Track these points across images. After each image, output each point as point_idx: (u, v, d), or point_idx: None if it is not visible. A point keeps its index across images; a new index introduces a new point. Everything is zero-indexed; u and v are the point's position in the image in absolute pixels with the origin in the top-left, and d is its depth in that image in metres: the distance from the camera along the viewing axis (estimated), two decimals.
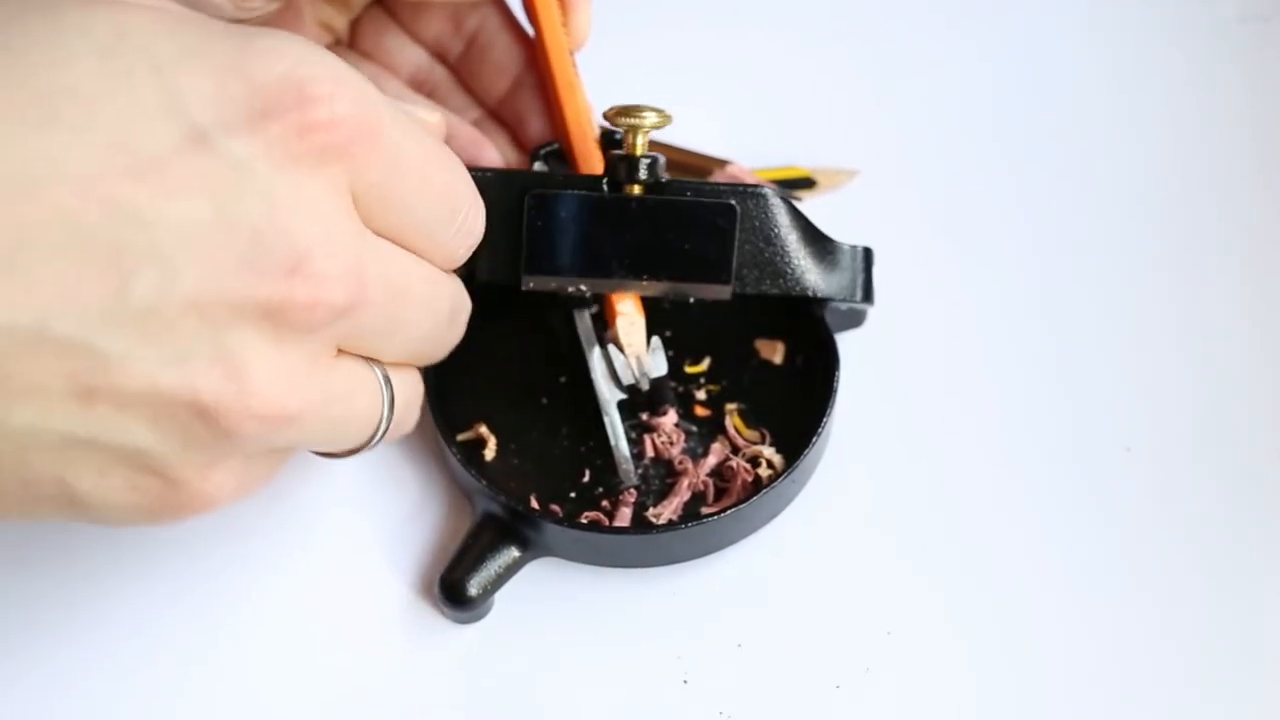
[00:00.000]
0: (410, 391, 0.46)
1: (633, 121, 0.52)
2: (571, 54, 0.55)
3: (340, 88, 0.39)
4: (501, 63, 0.56)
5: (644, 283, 0.52)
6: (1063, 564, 0.53)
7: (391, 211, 0.40)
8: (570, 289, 0.53)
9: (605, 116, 0.52)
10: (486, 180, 0.49)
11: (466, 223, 0.44)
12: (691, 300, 0.54)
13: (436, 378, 0.54)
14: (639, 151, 0.52)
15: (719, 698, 0.50)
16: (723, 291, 0.53)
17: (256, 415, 0.38)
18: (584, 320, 0.55)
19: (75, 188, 0.36)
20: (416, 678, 0.51)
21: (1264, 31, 0.65)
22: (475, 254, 0.47)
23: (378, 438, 0.43)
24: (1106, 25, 0.66)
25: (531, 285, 0.52)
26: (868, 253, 0.55)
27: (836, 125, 0.63)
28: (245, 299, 0.38)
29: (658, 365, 0.54)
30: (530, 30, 0.56)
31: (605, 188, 0.52)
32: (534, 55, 0.56)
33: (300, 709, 0.51)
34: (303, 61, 0.39)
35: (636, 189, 0.52)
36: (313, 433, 0.41)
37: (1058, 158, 0.62)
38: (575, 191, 0.52)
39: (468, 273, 0.49)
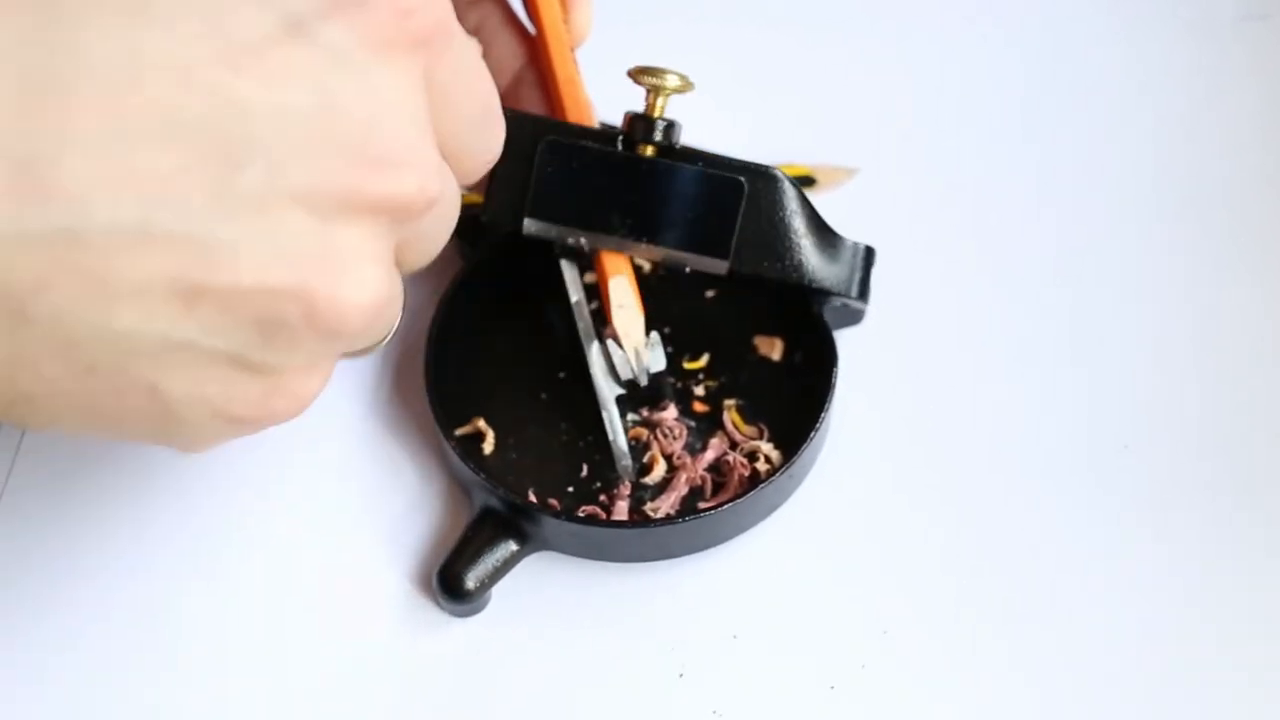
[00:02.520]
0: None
1: (654, 82, 0.52)
2: (572, 50, 0.56)
3: None
4: (502, 59, 0.56)
5: (643, 245, 0.53)
6: (1061, 562, 0.53)
7: (445, 110, 0.40)
8: (569, 240, 0.53)
9: (629, 74, 0.53)
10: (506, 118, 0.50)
11: (494, 140, 0.43)
12: (687, 270, 0.54)
13: (435, 372, 0.55)
14: (657, 113, 0.53)
15: (714, 693, 0.51)
16: (719, 266, 0.53)
17: (361, 311, 0.37)
18: (583, 315, 0.55)
19: (173, 77, 0.35)
20: (414, 670, 0.52)
21: (1263, 30, 0.65)
22: (483, 194, 0.47)
23: (391, 333, 0.42)
24: (1105, 23, 0.66)
25: (533, 230, 0.53)
26: (869, 251, 0.55)
27: (836, 122, 0.63)
28: (351, 191, 0.37)
29: (656, 360, 0.54)
30: (531, 27, 0.56)
31: (620, 145, 0.53)
32: (535, 52, 0.56)
33: (297, 700, 0.51)
34: None
35: (650, 150, 0.53)
36: (384, 330, 0.40)
37: (1055, 156, 0.62)
38: (589, 144, 0.52)
39: (472, 214, 0.49)
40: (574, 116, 0.55)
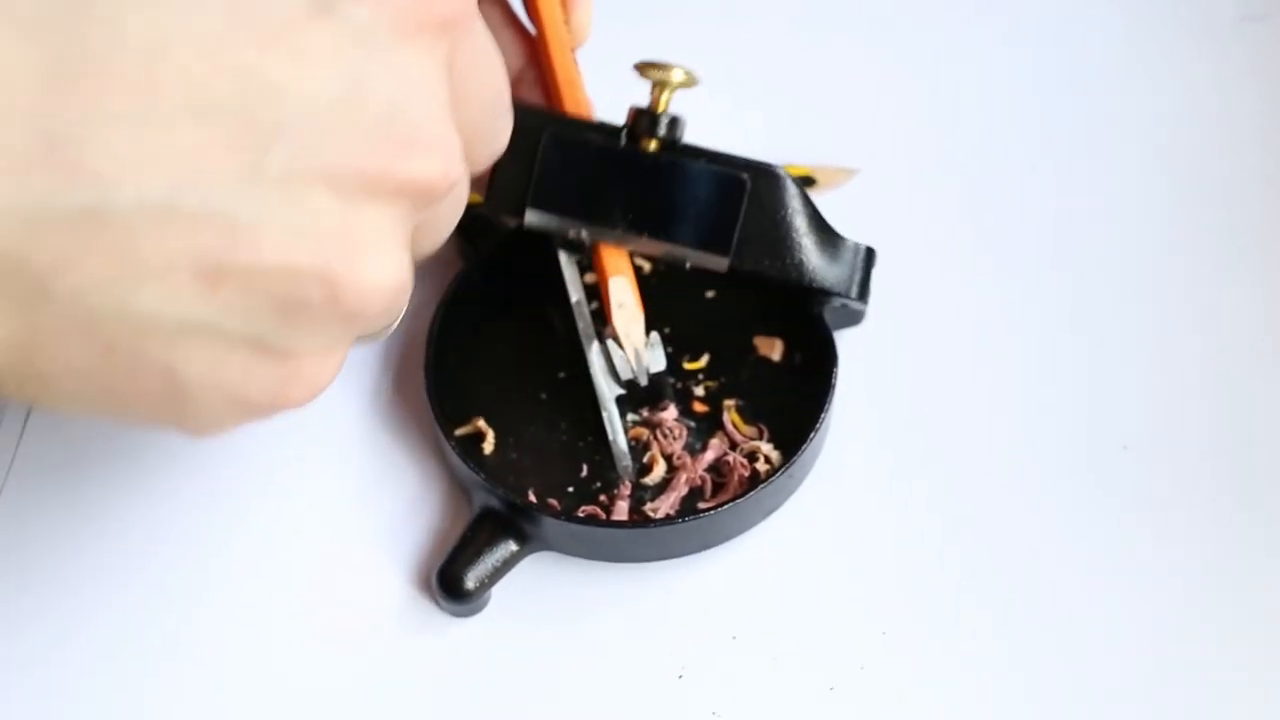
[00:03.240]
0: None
1: (659, 76, 0.52)
2: (572, 51, 0.56)
3: None
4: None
5: (644, 240, 0.53)
6: (1060, 563, 0.53)
7: (462, 96, 0.40)
8: (570, 233, 0.53)
9: (635, 67, 0.53)
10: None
11: (504, 129, 0.44)
12: (687, 266, 0.54)
13: (435, 372, 0.55)
14: (661, 108, 0.53)
15: (713, 694, 0.51)
16: (720, 262, 0.53)
17: (382, 293, 0.38)
18: (583, 315, 0.55)
19: (203, 57, 0.35)
20: (413, 670, 0.52)
21: (1262, 30, 0.65)
22: (484, 188, 0.47)
23: (400, 319, 0.42)
24: (1104, 23, 0.66)
25: (534, 222, 0.53)
26: (870, 252, 0.55)
27: (836, 122, 0.63)
28: (377, 173, 0.37)
29: (656, 361, 0.54)
30: (531, 27, 0.56)
31: (624, 139, 0.53)
32: (535, 52, 0.56)
33: (297, 700, 0.51)
34: None
35: (653, 145, 0.53)
36: (397, 314, 0.40)
37: (1054, 156, 0.62)
38: (592, 137, 0.53)
39: (473, 213, 0.48)
40: (573, 117, 0.55)
